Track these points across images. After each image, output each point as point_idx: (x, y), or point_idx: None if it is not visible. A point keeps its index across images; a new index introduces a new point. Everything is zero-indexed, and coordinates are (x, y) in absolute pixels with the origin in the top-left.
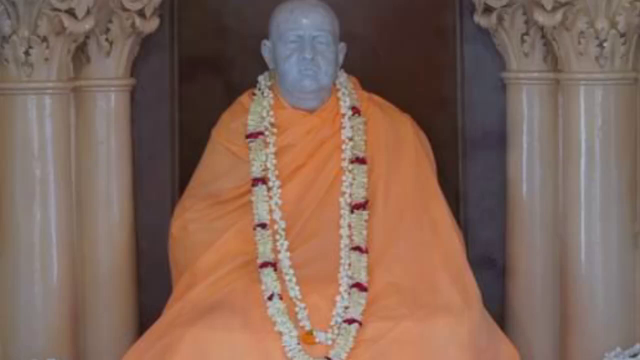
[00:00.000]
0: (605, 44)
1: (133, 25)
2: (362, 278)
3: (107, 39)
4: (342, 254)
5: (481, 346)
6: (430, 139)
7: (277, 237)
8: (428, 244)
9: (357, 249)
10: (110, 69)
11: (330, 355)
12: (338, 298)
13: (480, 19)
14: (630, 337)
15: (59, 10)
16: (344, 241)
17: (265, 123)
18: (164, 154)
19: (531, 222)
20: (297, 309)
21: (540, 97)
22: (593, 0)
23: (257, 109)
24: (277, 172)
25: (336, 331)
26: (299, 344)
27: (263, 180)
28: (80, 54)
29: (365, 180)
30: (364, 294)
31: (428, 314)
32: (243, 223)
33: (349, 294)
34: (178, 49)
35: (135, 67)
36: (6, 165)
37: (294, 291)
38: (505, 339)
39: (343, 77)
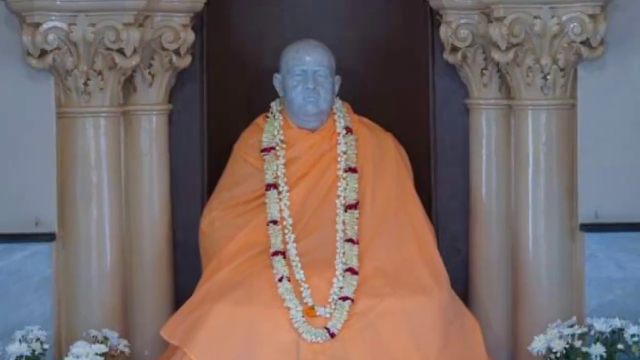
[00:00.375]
0: (548, 77)
1: (170, 61)
2: (354, 264)
3: (149, 73)
4: (338, 244)
5: (449, 318)
6: (408, 153)
7: (286, 231)
8: (406, 236)
9: (350, 240)
10: (152, 96)
11: (328, 326)
12: (334, 280)
13: (448, 57)
14: (568, 311)
15: (111, 49)
16: (339, 234)
17: (277, 140)
18: (195, 164)
19: (489, 219)
20: (301, 288)
21: (496, 119)
22: (539, 41)
23: (270, 128)
24: (286, 179)
25: (333, 306)
26: (303, 316)
27: (275, 186)
28: (128, 84)
29: (356, 185)
30: (355, 276)
31: (407, 293)
32: (259, 220)
33: (344, 276)
34: (206, 80)
35: (172, 95)
36: (69, 173)
37: (299, 274)
38: (468, 312)
39: (338, 103)
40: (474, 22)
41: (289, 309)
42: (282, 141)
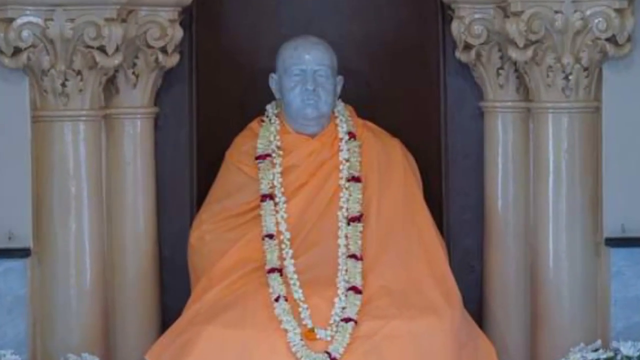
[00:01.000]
0: (570, 77)
1: (156, 60)
2: (357, 282)
3: (133, 73)
4: (340, 261)
5: (462, 341)
6: (417, 160)
7: (283, 246)
8: (415, 252)
9: (353, 256)
10: (137, 98)
11: (329, 350)
12: (336, 300)
13: (461, 55)
14: (592, 334)
15: (92, 47)
16: (342, 250)
17: (273, 146)
18: (184, 173)
19: (505, 233)
20: (300, 309)
21: (514, 124)
22: (560, 38)
23: (266, 133)
24: (283, 189)
25: (335, 329)
26: (302, 340)
27: (270, 197)
28: (110, 85)
29: (360, 196)
30: (359, 296)
31: (415, 314)
32: (253, 234)
33: (346, 296)
34: (196, 81)
35: (159, 97)
36: (45, 183)
37: (298, 294)
38: (482, 335)
39: (340, 106)
40: (489, 17)
41: (286, 331)
42: (278, 148)
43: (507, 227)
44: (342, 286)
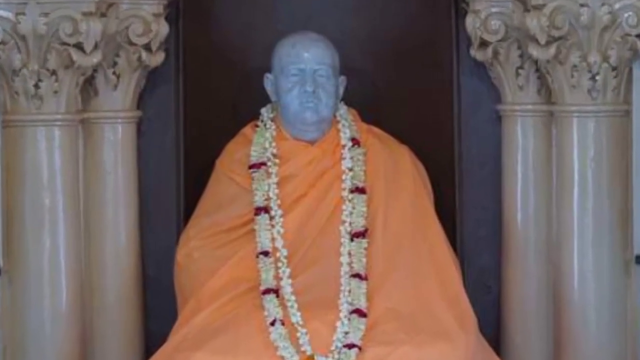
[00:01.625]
0: (597, 77)
1: (139, 59)
2: (362, 304)
3: (114, 73)
4: (343, 280)
5: None
6: (427, 169)
7: (279, 264)
8: (426, 271)
9: (356, 276)
10: (118, 101)
11: None
12: (338, 324)
13: (476, 53)
14: (622, 359)
15: (68, 44)
16: (344, 268)
17: (268, 154)
18: (170, 183)
19: (525, 250)
20: (298, 334)
21: (535, 129)
22: (586, 34)
23: (260, 140)
24: (279, 202)
25: (336, 356)
26: None
27: (266, 210)
28: (88, 87)
29: (364, 209)
30: (363, 319)
31: (426, 340)
32: (246, 251)
33: (349, 319)
34: (183, 81)
35: (142, 100)
36: (17, 194)
37: (296, 317)
38: None
39: (343, 109)
40: (508, 11)
41: (283, 358)
42: (274, 155)
43: (528, 244)
44: (344, 309)
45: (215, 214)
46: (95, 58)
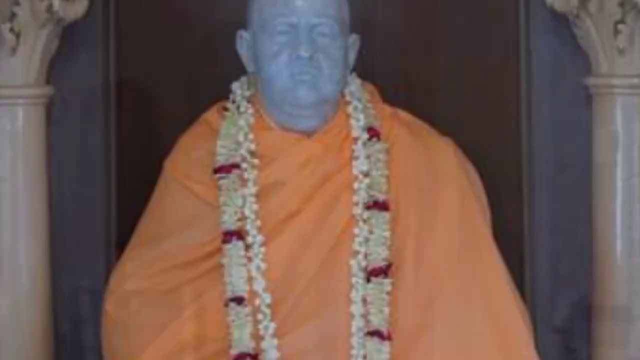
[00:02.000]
0: None
1: (50, 9)
2: None
3: (12, 29)
4: (354, 341)
5: None
6: (483, 175)
7: (260, 317)
8: (478, 326)
9: (375, 333)
10: (17, 72)
11: None
12: None
13: (555, 2)
14: None
15: None
16: (357, 323)
17: (243, 151)
18: (95, 194)
19: (629, 293)
20: None
21: None
22: None
23: (231, 130)
24: (259, 223)
25: None
26: None
27: (239, 235)
28: None
29: (387, 234)
30: None
31: None
32: (210, 296)
33: None
34: (115, 44)
35: (53, 71)
36: None
37: None
38: None
39: (355, 84)
40: None
41: None
42: (252, 153)
43: (632, 285)
44: None
45: (164, 241)
46: None
